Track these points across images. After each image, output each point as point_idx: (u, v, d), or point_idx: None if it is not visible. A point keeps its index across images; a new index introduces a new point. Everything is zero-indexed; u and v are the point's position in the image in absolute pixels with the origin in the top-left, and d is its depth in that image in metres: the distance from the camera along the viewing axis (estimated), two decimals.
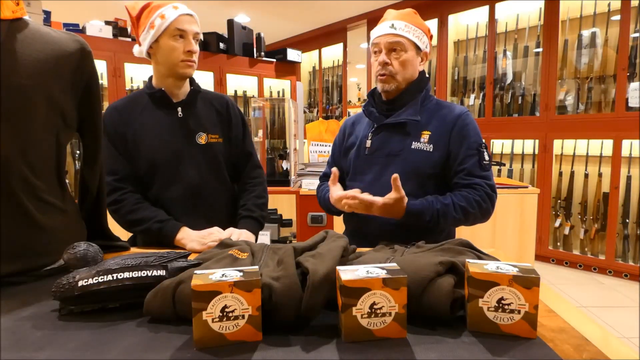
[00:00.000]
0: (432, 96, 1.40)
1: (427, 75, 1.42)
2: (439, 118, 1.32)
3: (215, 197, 1.40)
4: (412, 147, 1.30)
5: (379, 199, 1.20)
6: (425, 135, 1.31)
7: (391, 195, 1.19)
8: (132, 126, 1.33)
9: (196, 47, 1.31)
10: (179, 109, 1.36)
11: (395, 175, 1.18)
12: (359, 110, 1.51)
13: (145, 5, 1.30)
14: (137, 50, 1.36)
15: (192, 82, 1.41)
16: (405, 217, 1.22)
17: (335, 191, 1.30)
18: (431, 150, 1.29)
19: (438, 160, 1.28)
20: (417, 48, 1.35)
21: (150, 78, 1.38)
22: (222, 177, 1.42)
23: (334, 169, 1.33)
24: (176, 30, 1.27)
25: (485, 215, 1.27)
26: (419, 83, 1.37)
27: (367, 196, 1.23)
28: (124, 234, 1.27)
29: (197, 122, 1.37)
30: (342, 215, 1.47)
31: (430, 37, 1.41)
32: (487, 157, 1.29)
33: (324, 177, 1.57)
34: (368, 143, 1.38)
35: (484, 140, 1.32)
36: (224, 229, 1.34)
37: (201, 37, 1.33)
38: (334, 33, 5.99)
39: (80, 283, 0.74)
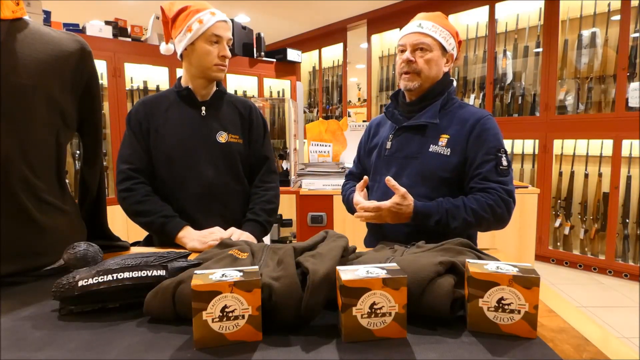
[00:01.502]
0: (455, 99, 1.38)
1: (451, 78, 1.40)
2: (459, 122, 1.30)
3: (231, 196, 1.42)
4: (430, 150, 1.29)
5: (384, 203, 1.20)
6: (444, 139, 1.29)
7: (395, 197, 1.19)
8: (156, 121, 1.38)
9: (229, 53, 1.36)
10: (203, 107, 1.40)
11: (388, 177, 1.20)
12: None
13: (183, 8, 1.33)
14: (164, 48, 1.42)
15: (219, 84, 1.45)
16: (413, 216, 1.20)
17: (357, 197, 1.32)
18: (448, 154, 1.27)
19: (455, 165, 1.26)
20: (443, 49, 1.33)
21: (180, 78, 1.43)
22: (238, 177, 1.44)
23: (365, 177, 1.34)
24: (213, 35, 1.32)
25: (499, 220, 1.23)
26: (442, 85, 1.35)
27: (371, 203, 1.23)
28: (125, 234, 1.27)
29: (219, 122, 1.41)
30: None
31: (459, 43, 1.39)
32: (505, 163, 1.25)
33: (350, 175, 1.59)
34: (388, 144, 1.38)
35: (504, 145, 1.29)
36: (236, 228, 1.36)
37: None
38: (334, 33, 5.98)
39: (80, 283, 0.74)
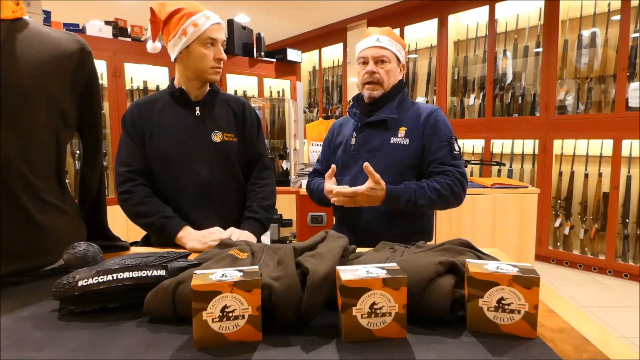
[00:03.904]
0: (408, 99, 1.58)
1: (404, 81, 1.60)
2: (413, 115, 1.49)
3: (227, 194, 1.43)
4: (391, 142, 1.47)
5: (360, 188, 1.34)
6: (402, 131, 1.47)
7: (369, 182, 1.33)
8: (150, 122, 1.38)
9: (224, 55, 1.37)
10: (197, 108, 1.41)
11: (366, 163, 1.32)
12: None
13: (176, 11, 1.32)
14: (150, 46, 1.43)
15: (212, 83, 1.45)
16: (386, 198, 1.35)
17: (328, 184, 1.44)
18: (407, 143, 1.45)
19: (414, 153, 1.45)
20: (398, 60, 1.53)
21: (173, 79, 1.43)
22: (235, 175, 1.45)
23: (333, 166, 1.45)
24: (208, 38, 1.32)
25: (457, 198, 1.42)
26: (397, 88, 1.54)
27: (348, 188, 1.36)
28: (125, 234, 1.27)
29: (214, 121, 1.42)
30: (331, 207, 1.62)
31: (407, 52, 1.60)
32: (457, 148, 1.45)
33: (314, 173, 1.72)
34: (353, 140, 1.55)
35: (454, 134, 1.47)
36: (235, 226, 1.37)
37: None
38: (334, 33, 5.98)
39: (80, 283, 0.74)
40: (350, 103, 1.64)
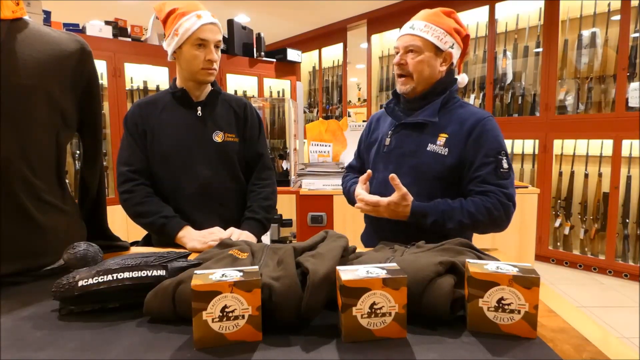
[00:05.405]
0: (457, 98, 1.36)
1: (455, 77, 1.39)
2: (458, 121, 1.28)
3: (228, 195, 1.43)
4: (428, 149, 1.28)
5: (383, 199, 1.21)
6: (442, 138, 1.28)
7: (394, 195, 1.19)
8: (152, 122, 1.38)
9: (217, 56, 1.35)
10: (199, 108, 1.41)
11: (392, 175, 1.18)
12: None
13: (171, 11, 1.32)
14: (166, 45, 1.41)
15: (214, 84, 1.45)
16: (410, 216, 1.21)
17: (359, 189, 1.31)
18: (446, 154, 1.26)
19: (451, 165, 1.26)
20: (437, 49, 1.29)
21: (175, 79, 1.43)
22: (235, 175, 1.45)
23: (369, 171, 1.32)
24: (198, 39, 1.31)
25: (497, 223, 1.23)
26: (441, 84, 1.33)
27: (372, 197, 1.24)
28: (125, 234, 1.27)
29: (215, 122, 1.42)
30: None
31: (465, 37, 1.35)
32: (505, 165, 1.24)
33: (349, 169, 1.61)
34: (387, 141, 1.38)
35: (505, 147, 1.26)
36: (235, 227, 1.37)
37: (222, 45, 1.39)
38: (334, 33, 5.98)
39: (80, 283, 0.74)
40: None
